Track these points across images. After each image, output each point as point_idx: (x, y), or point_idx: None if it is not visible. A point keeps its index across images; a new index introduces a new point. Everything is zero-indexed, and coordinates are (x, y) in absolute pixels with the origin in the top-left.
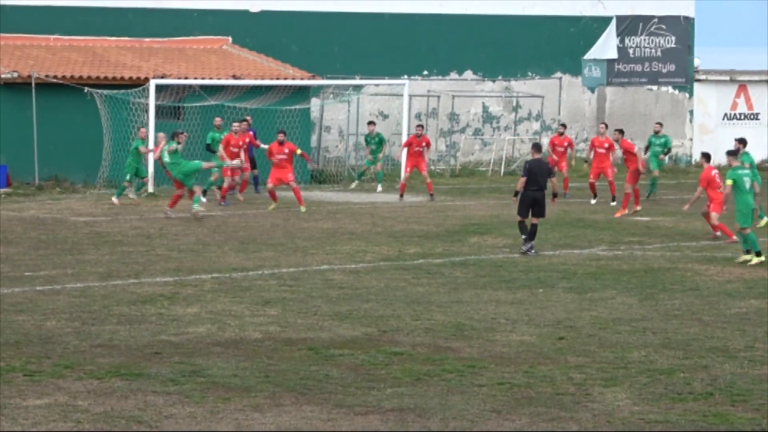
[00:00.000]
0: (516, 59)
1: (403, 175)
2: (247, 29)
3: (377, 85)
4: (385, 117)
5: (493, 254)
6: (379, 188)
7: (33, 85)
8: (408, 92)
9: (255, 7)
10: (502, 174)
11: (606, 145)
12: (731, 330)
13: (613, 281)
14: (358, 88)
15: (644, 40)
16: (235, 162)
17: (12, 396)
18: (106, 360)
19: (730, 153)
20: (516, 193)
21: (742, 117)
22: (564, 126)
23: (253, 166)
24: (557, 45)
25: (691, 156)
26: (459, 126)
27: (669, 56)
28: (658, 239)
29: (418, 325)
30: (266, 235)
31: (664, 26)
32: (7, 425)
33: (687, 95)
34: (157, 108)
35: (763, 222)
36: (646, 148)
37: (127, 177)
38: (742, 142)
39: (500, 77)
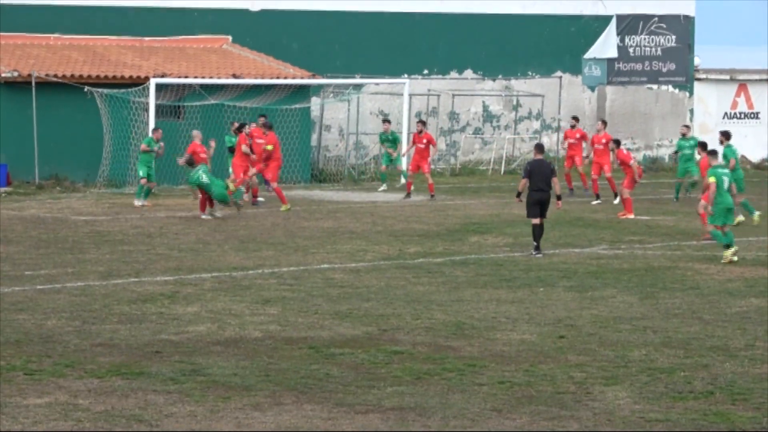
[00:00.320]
0: (516, 58)
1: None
2: (248, 28)
3: (377, 84)
4: (386, 116)
5: (494, 253)
6: (383, 187)
7: (33, 84)
8: (408, 91)
9: (255, 6)
10: (502, 173)
11: (603, 141)
12: (732, 329)
13: (614, 280)
14: (358, 87)
15: (644, 39)
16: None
17: (12, 395)
18: (106, 359)
19: (710, 152)
20: (518, 194)
21: (743, 116)
22: (576, 119)
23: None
24: (557, 44)
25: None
26: (459, 125)
27: (669, 55)
28: (659, 238)
29: (419, 324)
30: (266, 234)
31: (664, 25)
32: (8, 424)
33: (687, 94)
34: (158, 107)
35: (756, 217)
36: (675, 153)
37: (141, 173)
38: (725, 135)
39: (500, 76)
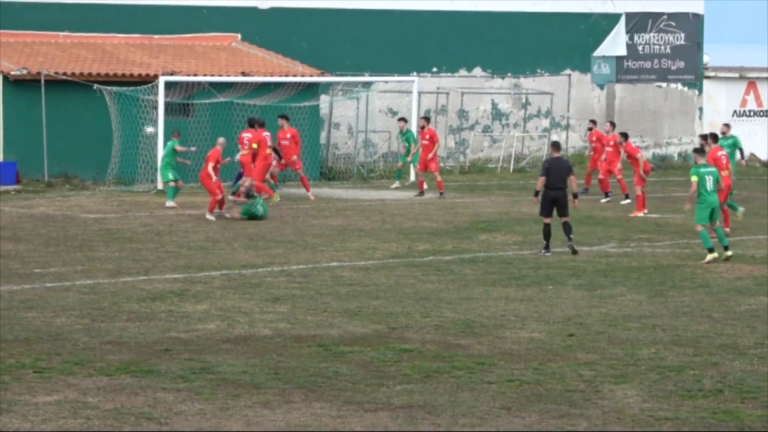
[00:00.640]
0: (525, 56)
1: (412, 171)
2: (257, 26)
3: (386, 82)
4: (394, 114)
5: (503, 251)
6: (396, 184)
7: (42, 82)
8: (417, 89)
9: (264, 4)
10: (511, 171)
11: (612, 143)
12: (741, 327)
13: (623, 278)
14: (367, 85)
15: (653, 37)
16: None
17: (22, 393)
18: (115, 357)
19: (696, 151)
20: (536, 193)
21: (752, 114)
22: (593, 122)
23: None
24: (566, 42)
25: None
26: (468, 123)
27: (678, 53)
28: (668, 236)
29: (428, 322)
30: (276, 232)
31: (673, 23)
32: (18, 422)
33: (696, 92)
34: (167, 105)
35: (739, 214)
36: None
37: (170, 176)
38: (713, 137)
39: (509, 74)
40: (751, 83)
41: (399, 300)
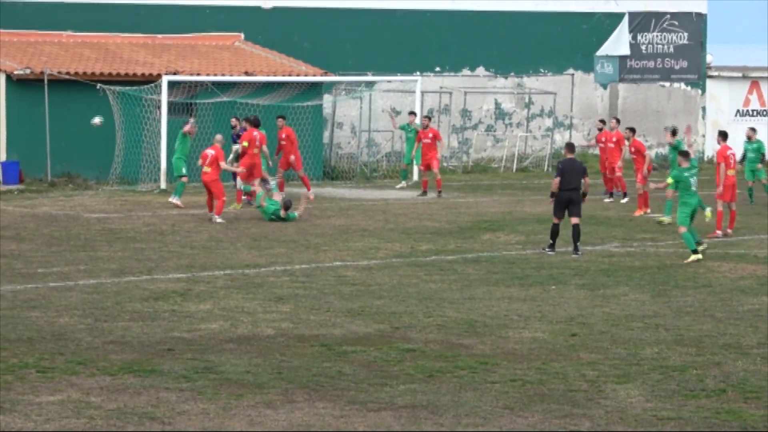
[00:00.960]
0: (528, 56)
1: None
2: (260, 26)
3: (389, 81)
4: (398, 113)
5: (506, 251)
6: (402, 184)
7: (46, 81)
8: (420, 89)
9: (267, 4)
10: (514, 170)
11: (614, 139)
12: (744, 327)
13: (626, 278)
14: (370, 84)
15: (657, 36)
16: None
17: (25, 392)
18: (118, 356)
19: (682, 154)
20: (552, 194)
21: (755, 113)
22: (603, 122)
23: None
24: (570, 41)
25: (703, 153)
26: (471, 122)
27: (681, 53)
28: (671, 236)
29: (431, 321)
30: (279, 231)
31: (676, 22)
32: (20, 421)
33: (699, 92)
34: (170, 104)
35: (708, 213)
36: (743, 157)
37: (184, 171)
38: (722, 135)
39: (512, 74)
40: (754, 83)
41: (402, 300)
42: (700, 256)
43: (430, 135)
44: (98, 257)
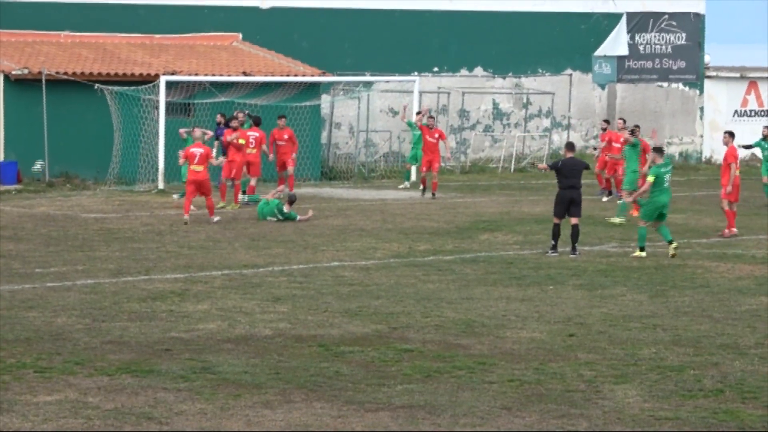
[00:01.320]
0: (526, 56)
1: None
2: (258, 26)
3: (387, 81)
4: (395, 114)
5: (504, 251)
6: (405, 184)
7: (43, 81)
8: (418, 89)
9: (265, 4)
10: (512, 171)
11: (622, 139)
12: (742, 327)
13: (624, 278)
14: (368, 84)
15: (655, 36)
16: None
17: (23, 392)
18: (116, 357)
19: (656, 150)
20: (546, 166)
21: (753, 114)
22: (607, 122)
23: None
24: (568, 42)
25: (701, 153)
26: (469, 123)
27: (679, 53)
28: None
29: (429, 322)
30: (276, 232)
31: (674, 23)
32: (18, 421)
33: (697, 92)
34: (168, 104)
35: (616, 221)
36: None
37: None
38: (730, 134)
39: (510, 74)
40: (752, 83)
41: (400, 300)
42: (644, 254)
43: (436, 135)
44: (96, 257)
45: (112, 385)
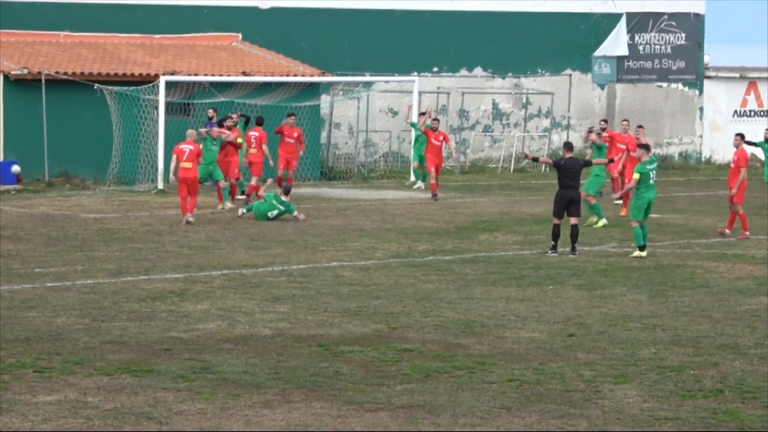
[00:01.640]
0: (526, 56)
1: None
2: (257, 26)
3: (387, 81)
4: (395, 114)
5: (503, 251)
6: (419, 184)
7: (43, 81)
8: (418, 89)
9: (265, 4)
10: (511, 171)
11: (627, 140)
12: (741, 327)
13: (623, 278)
14: (368, 84)
15: (654, 36)
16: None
17: (22, 392)
18: (116, 356)
19: (642, 146)
20: (535, 159)
21: (753, 114)
22: (605, 121)
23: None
24: (567, 42)
25: (700, 153)
26: (469, 123)
27: (679, 53)
28: (668, 236)
29: (428, 322)
30: (276, 231)
31: (674, 23)
32: (18, 421)
33: (697, 92)
34: (167, 105)
35: (600, 223)
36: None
37: (219, 176)
38: (741, 136)
39: (510, 74)
40: (752, 83)
41: (399, 300)
42: (644, 254)
43: (441, 138)
44: (95, 257)
45: (112, 384)
